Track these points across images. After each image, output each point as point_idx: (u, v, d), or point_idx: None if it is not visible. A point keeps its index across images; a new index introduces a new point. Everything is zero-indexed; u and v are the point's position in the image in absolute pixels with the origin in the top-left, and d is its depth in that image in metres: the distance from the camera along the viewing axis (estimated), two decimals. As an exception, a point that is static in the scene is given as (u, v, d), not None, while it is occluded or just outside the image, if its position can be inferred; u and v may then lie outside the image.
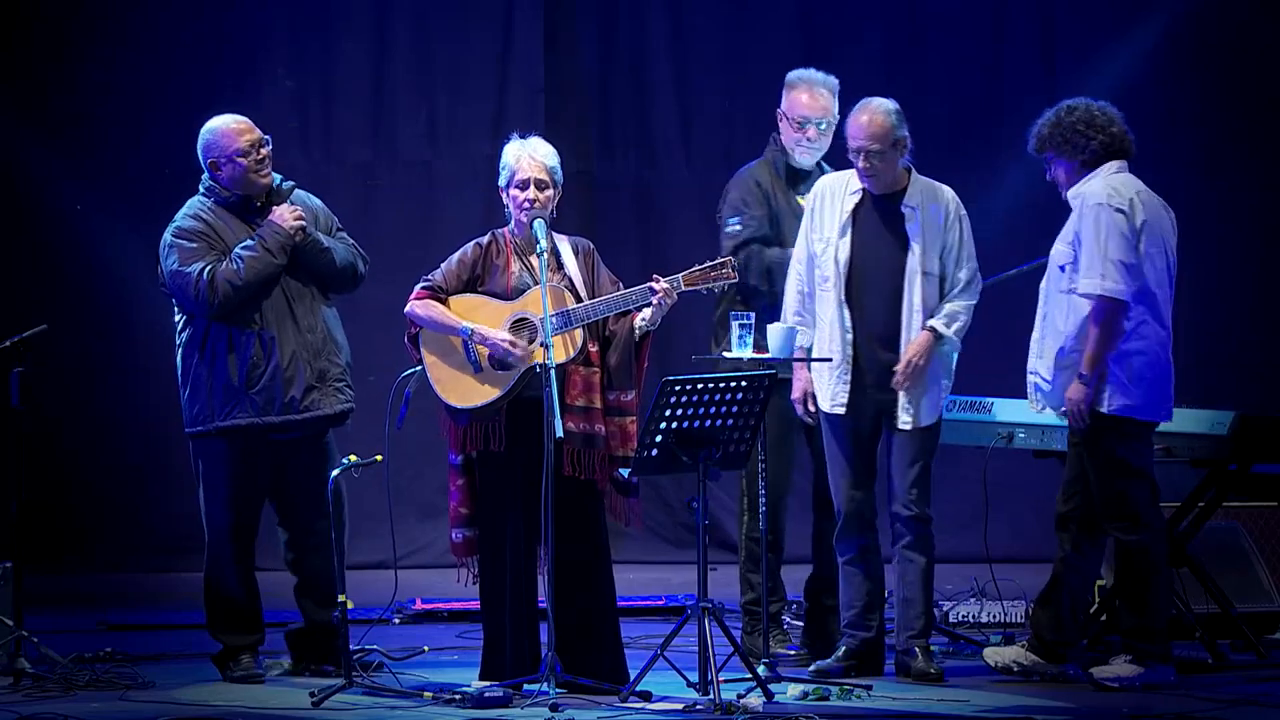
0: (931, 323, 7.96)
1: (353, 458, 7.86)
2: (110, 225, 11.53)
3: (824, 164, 8.64)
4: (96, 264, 11.56)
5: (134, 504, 11.56)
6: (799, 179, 8.60)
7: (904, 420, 7.99)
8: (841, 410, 8.05)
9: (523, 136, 7.88)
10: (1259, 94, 11.95)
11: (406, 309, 7.78)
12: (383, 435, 7.98)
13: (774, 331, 8.04)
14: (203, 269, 7.96)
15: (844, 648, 8.15)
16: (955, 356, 8.06)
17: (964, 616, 9.29)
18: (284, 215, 8.07)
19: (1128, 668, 7.79)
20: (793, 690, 7.64)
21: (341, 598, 7.75)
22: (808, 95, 8.52)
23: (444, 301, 7.78)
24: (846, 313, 8.05)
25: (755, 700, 7.44)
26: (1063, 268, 7.84)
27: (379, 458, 7.89)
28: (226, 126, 8.11)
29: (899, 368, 7.95)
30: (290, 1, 11.89)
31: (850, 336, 8.05)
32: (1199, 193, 11.96)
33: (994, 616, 9.24)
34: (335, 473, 7.85)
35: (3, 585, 8.28)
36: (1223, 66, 11.95)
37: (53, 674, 7.98)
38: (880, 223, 8.06)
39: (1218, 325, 11.93)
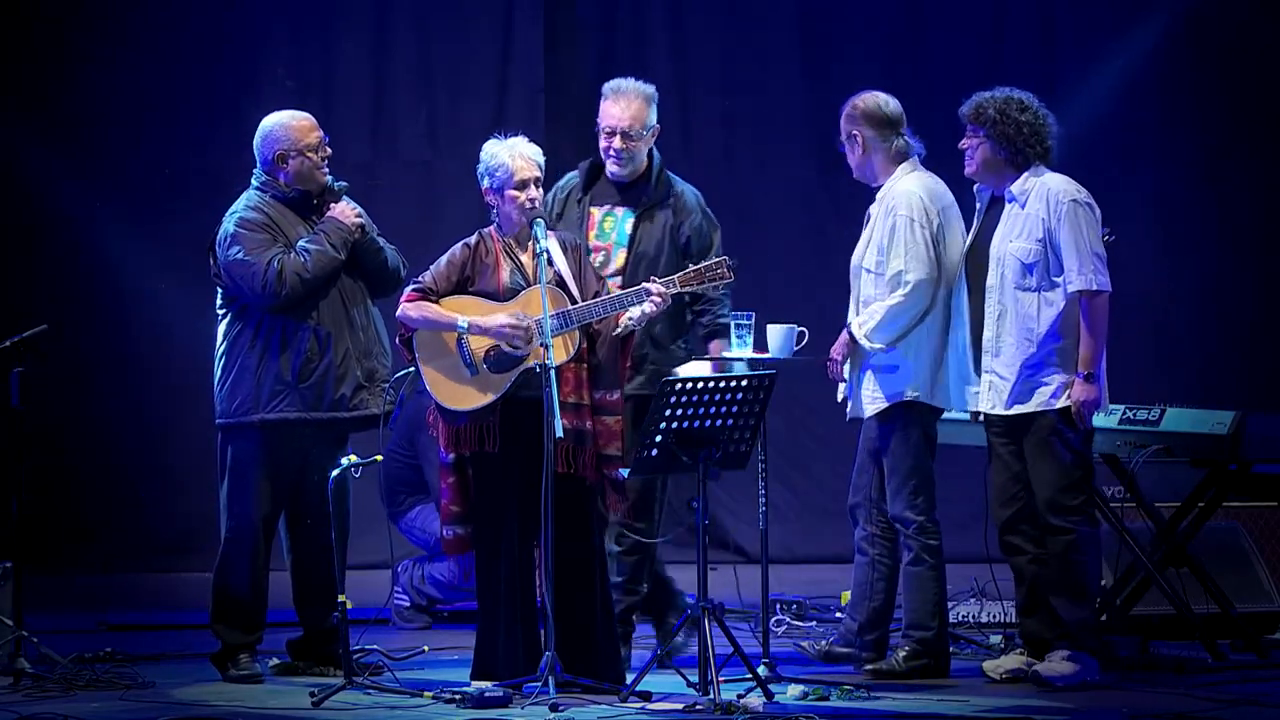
0: (850, 320, 8.03)
1: (352, 458, 7.87)
2: (110, 225, 11.53)
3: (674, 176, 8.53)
4: (97, 263, 11.56)
5: (134, 504, 11.56)
6: (605, 185, 8.44)
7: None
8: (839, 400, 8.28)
9: (500, 137, 7.87)
10: (1259, 94, 11.95)
11: (398, 312, 7.77)
12: (380, 436, 7.99)
13: (774, 332, 8.07)
14: (271, 259, 7.99)
15: (836, 635, 8.28)
16: (897, 353, 7.98)
17: (964, 616, 9.28)
18: (345, 211, 8.14)
19: (1068, 665, 7.79)
20: (793, 690, 7.64)
21: (341, 598, 7.75)
22: (615, 104, 8.35)
23: (435, 303, 7.77)
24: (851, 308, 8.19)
25: (755, 700, 7.44)
26: (1031, 267, 7.82)
27: (378, 458, 7.91)
28: (297, 122, 8.17)
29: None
30: (290, 1, 11.88)
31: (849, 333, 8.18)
32: (1199, 192, 11.98)
33: (994, 616, 9.23)
34: (335, 473, 7.85)
35: (3, 585, 8.29)
36: (1223, 66, 11.95)
37: (53, 674, 7.98)
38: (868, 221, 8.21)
39: (1218, 325, 11.93)
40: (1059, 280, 7.79)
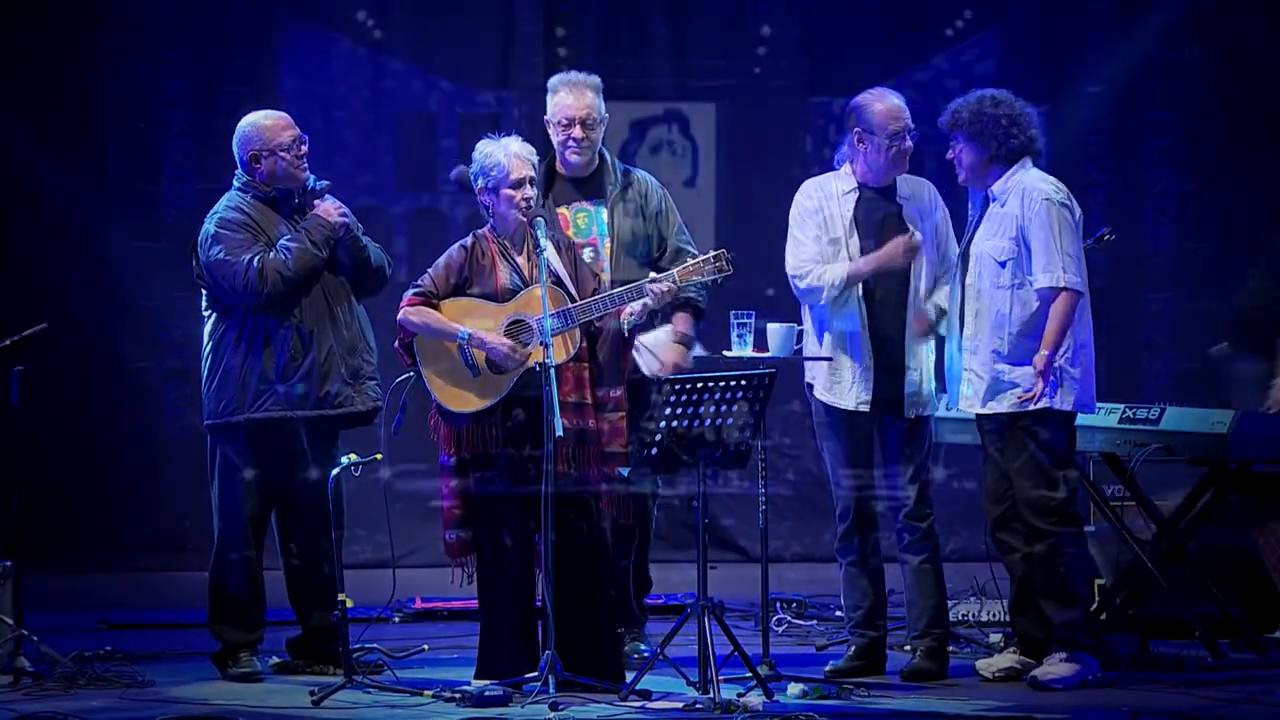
0: None
1: (352, 457, 7.87)
2: (110, 225, 11.53)
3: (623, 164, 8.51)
4: (97, 263, 11.56)
5: (132, 504, 11.56)
6: (564, 185, 8.41)
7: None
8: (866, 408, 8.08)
9: (492, 137, 7.87)
10: (1260, 95, 11.94)
11: (399, 317, 7.76)
12: (380, 436, 7.99)
13: (774, 330, 8.07)
14: (251, 258, 7.98)
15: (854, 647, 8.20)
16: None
17: (964, 616, 9.28)
18: (328, 209, 8.14)
19: (1066, 666, 7.78)
20: (793, 689, 7.64)
21: (341, 596, 7.76)
22: (571, 95, 8.37)
23: (436, 307, 7.77)
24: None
25: (755, 700, 7.44)
26: (1004, 264, 7.80)
27: (379, 456, 7.90)
28: (270, 121, 8.16)
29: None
30: (290, 1, 11.88)
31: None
32: (1199, 192, 11.97)
33: (994, 616, 9.23)
34: (335, 472, 7.85)
35: (3, 585, 8.29)
36: (1223, 66, 11.95)
37: (53, 673, 7.99)
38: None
39: (1218, 325, 11.92)
40: (1031, 279, 7.78)
